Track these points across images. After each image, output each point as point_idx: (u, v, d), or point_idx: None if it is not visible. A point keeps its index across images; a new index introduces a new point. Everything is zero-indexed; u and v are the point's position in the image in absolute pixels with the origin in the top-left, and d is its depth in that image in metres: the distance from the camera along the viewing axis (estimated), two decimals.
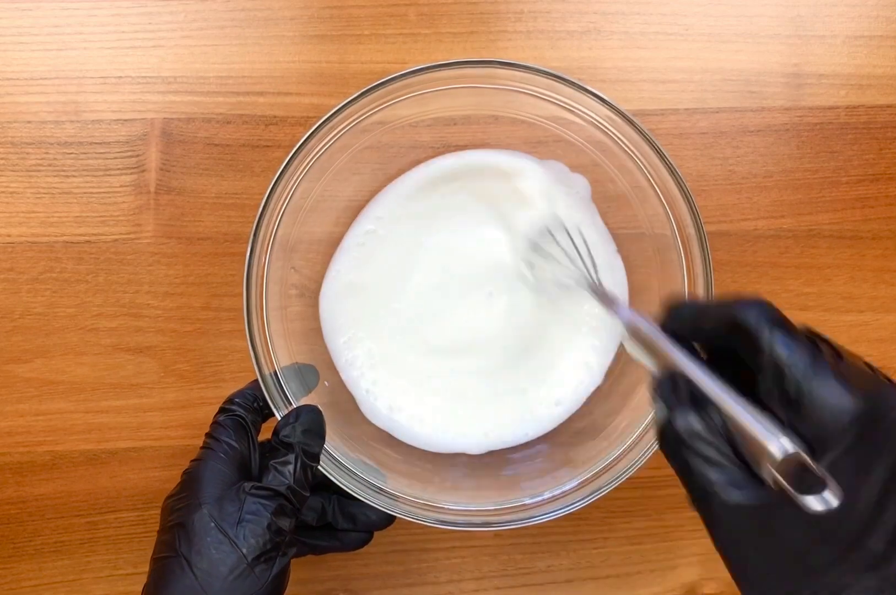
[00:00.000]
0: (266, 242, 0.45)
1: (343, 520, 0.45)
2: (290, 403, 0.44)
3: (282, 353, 0.46)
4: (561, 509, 0.44)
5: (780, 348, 0.29)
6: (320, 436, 0.42)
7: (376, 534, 0.46)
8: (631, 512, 0.54)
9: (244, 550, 0.37)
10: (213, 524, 0.38)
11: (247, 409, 0.44)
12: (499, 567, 0.53)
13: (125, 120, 0.52)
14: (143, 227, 0.52)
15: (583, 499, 0.44)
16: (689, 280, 0.46)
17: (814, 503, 0.26)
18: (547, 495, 0.45)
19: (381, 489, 0.45)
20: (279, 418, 0.43)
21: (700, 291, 0.45)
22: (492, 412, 0.50)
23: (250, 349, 0.44)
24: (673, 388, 0.32)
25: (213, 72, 0.52)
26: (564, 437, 0.50)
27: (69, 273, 0.52)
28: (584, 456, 0.47)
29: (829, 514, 0.26)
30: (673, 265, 0.46)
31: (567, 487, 0.45)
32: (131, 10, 0.52)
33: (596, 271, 0.45)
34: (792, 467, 0.28)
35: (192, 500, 0.39)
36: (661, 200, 0.46)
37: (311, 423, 0.42)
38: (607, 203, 0.51)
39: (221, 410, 0.44)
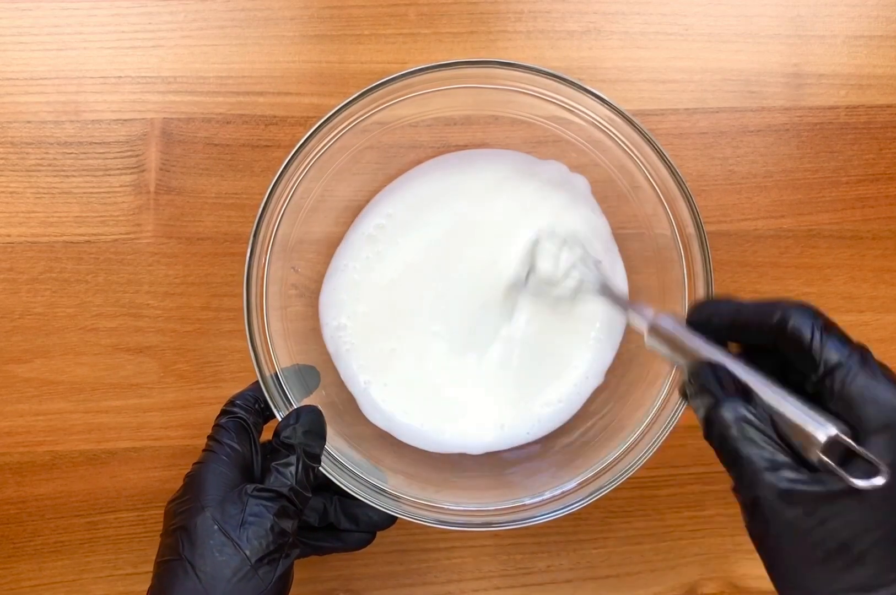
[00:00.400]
0: (266, 242, 0.45)
1: (345, 520, 0.45)
2: (291, 404, 0.44)
3: (282, 354, 0.46)
4: (561, 509, 0.44)
5: (833, 350, 0.31)
6: (321, 436, 0.42)
7: (377, 534, 0.46)
8: (631, 512, 0.54)
9: (247, 552, 0.37)
10: (216, 527, 0.38)
11: (248, 410, 0.44)
12: (499, 567, 0.53)
13: (125, 120, 0.52)
14: (143, 227, 0.52)
15: (583, 499, 0.44)
16: (689, 280, 0.46)
17: (860, 482, 0.28)
18: (547, 495, 0.45)
19: (382, 490, 0.45)
20: (280, 419, 0.43)
21: (700, 292, 0.45)
22: (492, 412, 0.50)
23: (251, 350, 0.44)
24: (714, 378, 0.32)
25: (212, 72, 0.52)
26: (565, 438, 0.50)
27: (69, 273, 0.52)
28: (584, 456, 0.47)
29: (876, 499, 0.28)
30: (673, 265, 0.46)
31: (567, 487, 0.45)
32: (131, 9, 0.52)
33: (603, 274, 0.45)
34: (837, 452, 0.29)
35: (194, 503, 0.39)
36: (661, 200, 0.46)
37: (311, 424, 0.42)
38: (607, 203, 0.51)
39: (223, 412, 0.44)
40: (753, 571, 0.54)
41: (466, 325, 0.50)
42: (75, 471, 0.53)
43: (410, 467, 0.49)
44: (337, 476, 0.43)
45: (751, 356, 0.34)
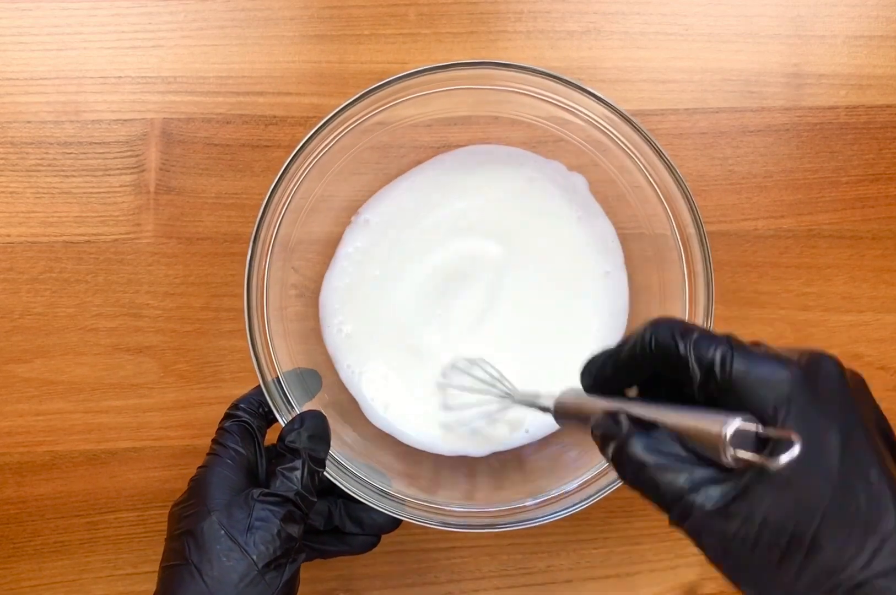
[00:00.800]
0: (267, 243, 0.45)
1: (350, 523, 0.44)
2: (293, 408, 0.44)
3: (282, 355, 0.46)
4: (562, 511, 0.44)
5: (700, 349, 0.30)
6: (325, 441, 0.42)
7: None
8: (631, 512, 0.54)
9: (254, 557, 0.37)
10: (222, 532, 0.38)
11: (252, 414, 0.44)
12: (498, 567, 0.53)
13: (125, 120, 0.52)
14: (143, 227, 0.52)
15: (584, 500, 0.44)
16: (689, 280, 0.46)
17: (776, 461, 0.27)
18: (548, 496, 0.45)
19: (386, 493, 0.45)
20: (283, 424, 0.43)
21: (700, 291, 0.45)
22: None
23: (252, 354, 0.44)
24: (614, 422, 0.32)
25: (212, 72, 0.52)
26: (565, 438, 0.50)
27: (69, 273, 0.52)
28: (585, 456, 0.47)
29: (803, 475, 0.27)
30: (673, 265, 0.46)
31: (568, 489, 0.45)
32: (131, 10, 0.52)
33: (509, 384, 0.46)
34: (749, 443, 0.28)
35: (200, 508, 0.39)
36: (661, 200, 0.46)
37: (315, 429, 0.42)
38: (607, 203, 0.51)
39: (227, 416, 0.44)
40: None
41: (466, 326, 0.50)
42: (75, 471, 0.53)
43: (412, 468, 0.49)
44: (341, 480, 0.43)
45: (651, 391, 0.34)
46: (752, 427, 0.28)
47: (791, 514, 0.28)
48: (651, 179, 0.46)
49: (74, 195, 0.52)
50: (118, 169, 0.52)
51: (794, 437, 0.27)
